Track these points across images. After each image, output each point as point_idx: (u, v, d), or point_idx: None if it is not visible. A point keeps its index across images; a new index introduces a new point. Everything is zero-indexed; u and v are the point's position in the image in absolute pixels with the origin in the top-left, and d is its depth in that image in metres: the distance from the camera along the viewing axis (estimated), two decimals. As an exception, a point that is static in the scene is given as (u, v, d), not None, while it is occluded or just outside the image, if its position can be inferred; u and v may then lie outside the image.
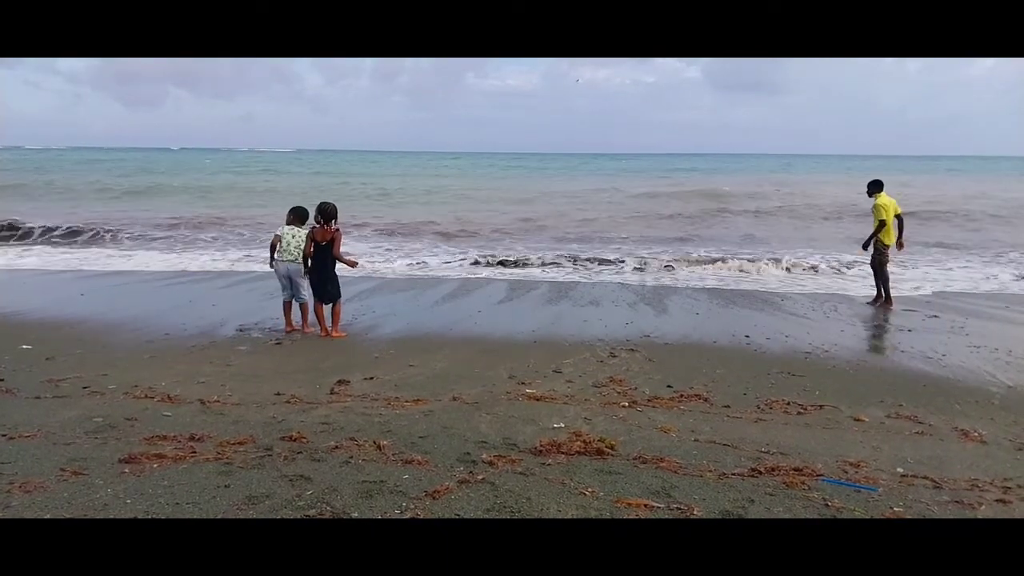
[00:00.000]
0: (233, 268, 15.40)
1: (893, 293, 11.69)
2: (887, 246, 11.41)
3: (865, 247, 11.67)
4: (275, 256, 9.14)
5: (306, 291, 9.11)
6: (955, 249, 19.23)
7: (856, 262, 15.70)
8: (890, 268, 11.69)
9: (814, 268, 15.79)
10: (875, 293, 11.67)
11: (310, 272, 8.96)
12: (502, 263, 16.56)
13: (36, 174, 47.65)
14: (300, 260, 9.04)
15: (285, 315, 9.22)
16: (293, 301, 9.19)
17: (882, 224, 11.34)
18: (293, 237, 9.10)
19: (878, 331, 9.46)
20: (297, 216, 9.20)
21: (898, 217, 11.44)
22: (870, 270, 11.91)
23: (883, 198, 11.41)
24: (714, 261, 16.51)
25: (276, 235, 9.21)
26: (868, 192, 11.68)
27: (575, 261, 16.73)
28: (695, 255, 17.52)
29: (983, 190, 38.52)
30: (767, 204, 31.45)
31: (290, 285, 9.13)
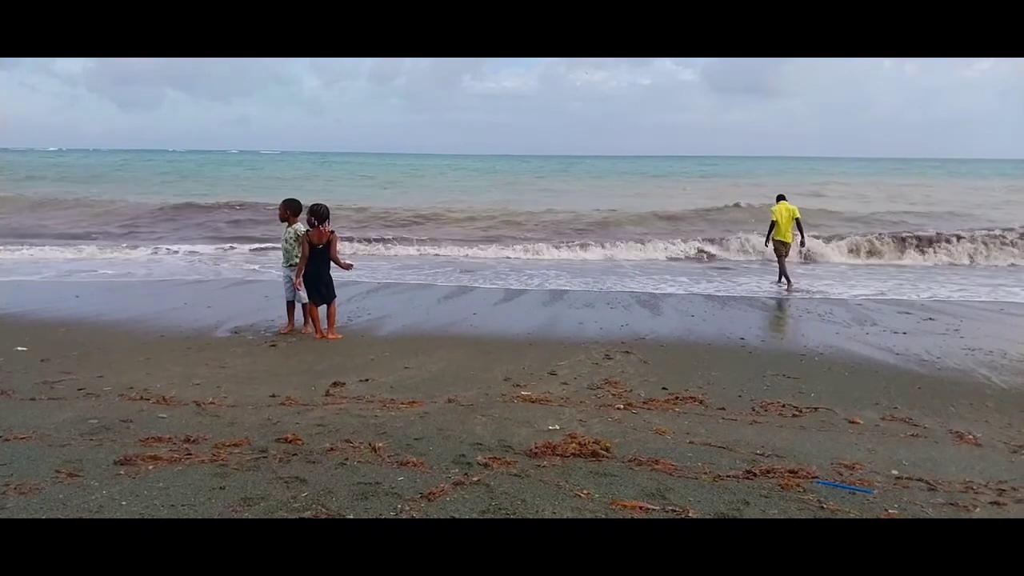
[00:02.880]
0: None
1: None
2: (781, 242, 14.22)
3: (766, 244, 14.90)
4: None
5: (301, 290, 9.10)
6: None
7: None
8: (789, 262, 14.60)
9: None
10: (779, 277, 14.23)
11: (305, 275, 8.93)
12: None
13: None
14: (286, 261, 9.14)
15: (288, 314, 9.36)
16: (295, 301, 9.21)
17: (772, 224, 14.25)
18: (285, 241, 9.23)
19: (873, 333, 9.47)
20: (292, 212, 9.23)
21: (796, 220, 14.28)
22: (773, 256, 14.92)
23: (779, 206, 14.38)
24: None
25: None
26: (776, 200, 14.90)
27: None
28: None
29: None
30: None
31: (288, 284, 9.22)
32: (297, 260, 8.95)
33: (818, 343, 8.83)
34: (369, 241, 20.74)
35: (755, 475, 4.46)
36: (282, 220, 9.33)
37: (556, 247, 20.03)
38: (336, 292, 9.06)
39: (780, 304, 12.03)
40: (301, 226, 9.12)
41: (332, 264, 8.97)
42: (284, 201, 9.30)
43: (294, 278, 8.94)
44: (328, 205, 9.06)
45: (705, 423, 5.68)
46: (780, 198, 14.74)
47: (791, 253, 14.87)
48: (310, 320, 9.04)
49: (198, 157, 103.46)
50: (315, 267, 8.86)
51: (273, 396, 6.22)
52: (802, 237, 14.75)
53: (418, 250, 19.77)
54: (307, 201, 9.46)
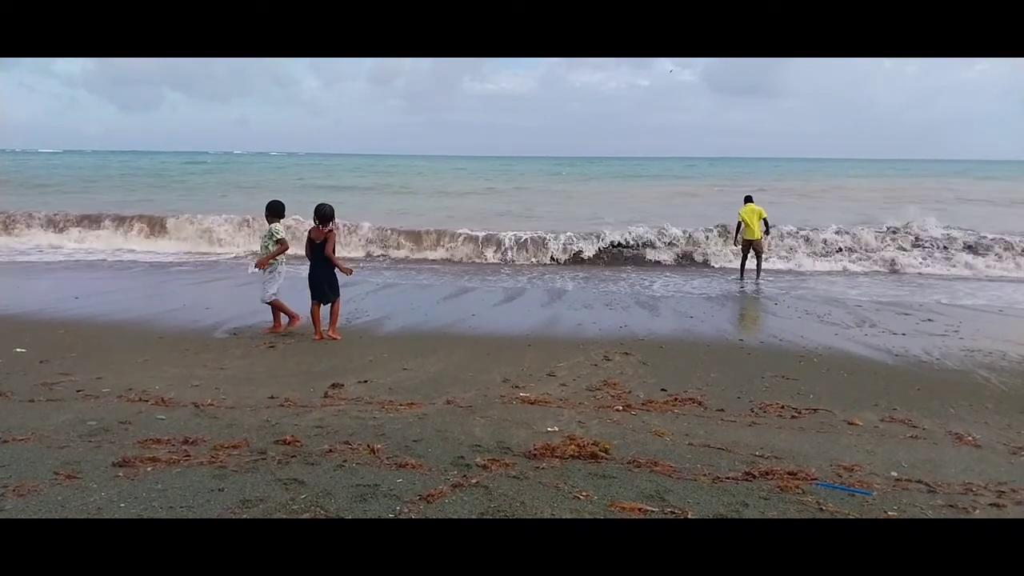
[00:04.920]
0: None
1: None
2: (747, 240, 15.27)
3: (735, 242, 16.08)
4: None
5: (272, 290, 9.07)
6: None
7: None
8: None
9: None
10: (754, 270, 15.43)
11: (308, 275, 8.97)
12: None
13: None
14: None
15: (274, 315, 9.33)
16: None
17: (739, 224, 15.32)
18: (262, 238, 9.34)
19: (872, 334, 9.47)
20: (270, 213, 9.31)
21: (763, 220, 15.20)
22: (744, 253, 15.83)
23: (746, 207, 15.31)
24: None
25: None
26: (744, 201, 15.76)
27: None
28: None
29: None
30: None
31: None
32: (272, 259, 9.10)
33: (817, 344, 8.83)
34: (369, 242, 20.69)
35: (754, 477, 4.46)
36: (269, 222, 9.41)
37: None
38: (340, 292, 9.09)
39: (778, 306, 12.01)
40: (279, 226, 9.20)
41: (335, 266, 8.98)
42: (268, 204, 9.43)
43: (253, 266, 9.32)
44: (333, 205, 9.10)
45: (704, 424, 5.68)
46: (747, 199, 15.64)
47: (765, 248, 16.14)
48: (279, 317, 9.15)
49: (180, 158, 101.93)
50: (317, 266, 8.88)
51: (272, 398, 6.21)
52: (767, 230, 15.85)
53: (465, 251, 19.25)
54: (309, 201, 9.49)
